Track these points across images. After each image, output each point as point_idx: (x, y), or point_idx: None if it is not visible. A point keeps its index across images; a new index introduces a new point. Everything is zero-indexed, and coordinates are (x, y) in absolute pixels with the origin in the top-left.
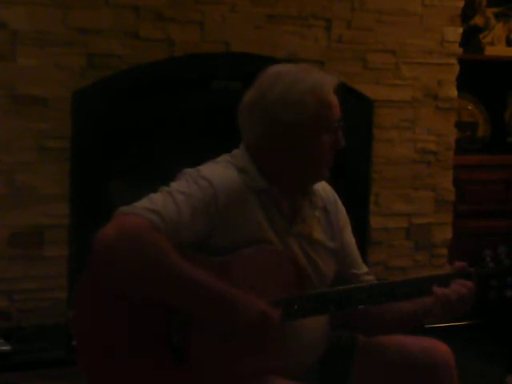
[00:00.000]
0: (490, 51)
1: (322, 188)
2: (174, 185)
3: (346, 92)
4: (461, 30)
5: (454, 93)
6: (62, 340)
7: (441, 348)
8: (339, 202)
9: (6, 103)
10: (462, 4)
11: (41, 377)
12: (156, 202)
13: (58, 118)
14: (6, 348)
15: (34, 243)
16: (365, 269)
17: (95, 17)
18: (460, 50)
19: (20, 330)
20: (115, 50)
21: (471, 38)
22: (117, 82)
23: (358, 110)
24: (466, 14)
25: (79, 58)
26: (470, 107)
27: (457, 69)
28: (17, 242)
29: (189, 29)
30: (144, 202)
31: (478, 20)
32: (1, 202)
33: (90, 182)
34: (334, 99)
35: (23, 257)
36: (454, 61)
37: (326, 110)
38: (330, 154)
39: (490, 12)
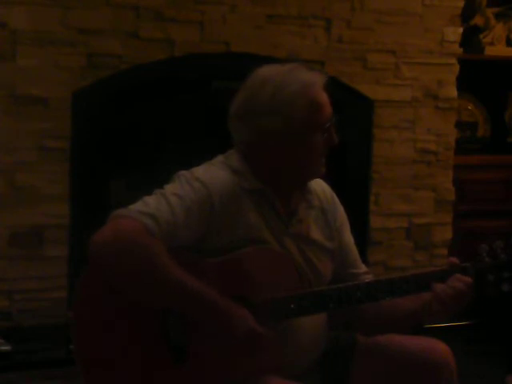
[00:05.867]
0: (490, 51)
1: (320, 187)
2: (168, 187)
3: (346, 92)
4: (461, 30)
5: (453, 93)
6: (62, 340)
7: (441, 348)
8: (337, 201)
9: (6, 103)
10: (461, 4)
11: (41, 377)
12: (150, 204)
13: (57, 118)
14: (6, 348)
15: (34, 243)
16: (364, 268)
17: (95, 17)
18: (460, 50)
19: (20, 330)
20: (115, 50)
21: (471, 37)
22: (117, 82)
23: (357, 110)
24: (466, 14)
25: (79, 58)
26: (469, 107)
27: (457, 69)
28: (17, 241)
29: (189, 29)
30: (138, 205)
31: (478, 20)
32: (1, 202)
33: (90, 181)
34: (323, 98)
35: (23, 257)
36: (453, 61)
37: (315, 110)
38: (323, 152)
39: (489, 12)
